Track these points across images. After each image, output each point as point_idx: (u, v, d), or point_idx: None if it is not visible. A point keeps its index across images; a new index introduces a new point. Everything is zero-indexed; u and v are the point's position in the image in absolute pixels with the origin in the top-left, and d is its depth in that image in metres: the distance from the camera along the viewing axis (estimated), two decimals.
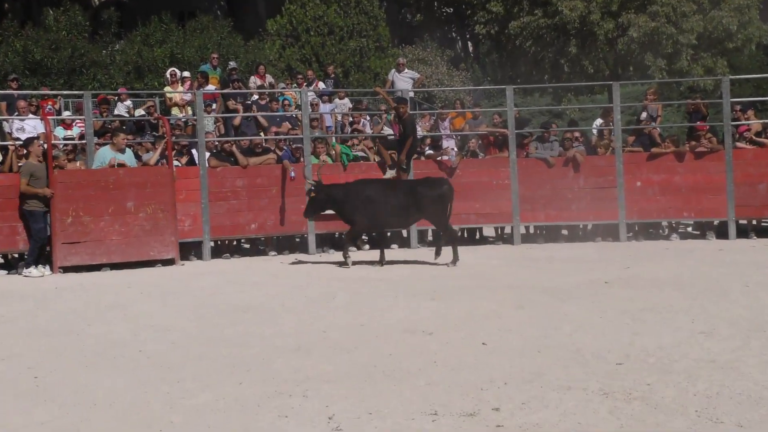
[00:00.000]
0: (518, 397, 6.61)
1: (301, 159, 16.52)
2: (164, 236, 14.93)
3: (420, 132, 17.90)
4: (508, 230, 17.65)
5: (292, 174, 16.08)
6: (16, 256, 14.89)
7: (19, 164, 14.62)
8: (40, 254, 14.27)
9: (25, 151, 14.79)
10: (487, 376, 7.16)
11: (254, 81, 20.15)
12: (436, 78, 35.85)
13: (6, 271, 14.50)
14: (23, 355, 8.44)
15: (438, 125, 18.52)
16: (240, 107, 18.15)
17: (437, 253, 14.45)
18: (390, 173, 15.91)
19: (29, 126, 16.08)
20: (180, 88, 18.92)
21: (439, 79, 36.02)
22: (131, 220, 14.74)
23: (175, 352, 8.41)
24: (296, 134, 17.18)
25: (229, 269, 14.41)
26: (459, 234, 16.44)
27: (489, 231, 18.22)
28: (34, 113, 16.57)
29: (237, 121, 17.71)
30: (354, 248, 15.16)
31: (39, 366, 7.98)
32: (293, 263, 14.89)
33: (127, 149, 15.28)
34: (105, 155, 14.95)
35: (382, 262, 14.28)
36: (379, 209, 14.33)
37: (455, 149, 17.58)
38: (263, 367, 7.71)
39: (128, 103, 19.14)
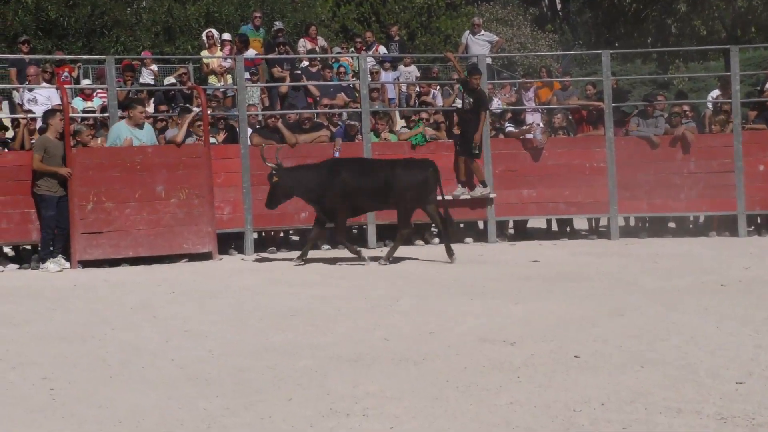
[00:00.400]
0: (618, 420, 6.56)
1: (358, 137, 16.53)
2: (199, 226, 15.04)
3: (498, 105, 17.86)
4: (603, 222, 17.54)
5: (337, 153, 16.09)
6: (29, 247, 15.10)
7: (32, 140, 14.82)
8: (56, 246, 14.44)
9: (39, 125, 14.99)
10: (580, 396, 7.12)
11: (304, 44, 20.21)
12: (517, 41, 35.70)
13: (17, 265, 14.71)
14: (37, 363, 8.54)
15: (521, 97, 18.43)
16: (287, 75, 18.21)
17: (387, 258, 14.62)
18: (462, 191, 16.19)
19: (42, 97, 16.27)
20: (218, 53, 19.02)
21: (522, 42, 35.85)
22: (161, 207, 14.86)
23: (213, 362, 8.47)
24: (356, 107, 17.16)
25: (275, 266, 14.49)
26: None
27: (581, 223, 18.11)
28: (49, 81, 16.76)
29: (284, 89, 17.79)
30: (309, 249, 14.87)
31: (55, 376, 8.07)
32: (350, 259, 14.92)
33: (147, 125, 15.36)
34: (120, 132, 15.03)
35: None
36: (355, 194, 14.53)
37: (541, 125, 17.48)
38: (316, 381, 7.73)
39: (153, 67, 19.28)
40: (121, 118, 15.54)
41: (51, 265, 14.20)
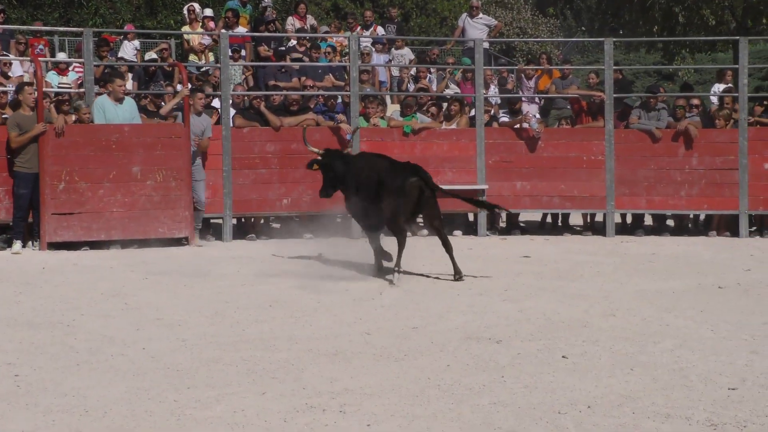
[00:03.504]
0: (605, 424, 6.62)
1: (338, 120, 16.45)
2: (176, 210, 15.02)
3: (494, 91, 17.90)
4: (599, 218, 17.54)
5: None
6: None
7: (3, 114, 14.81)
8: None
9: (10, 99, 14.99)
10: (566, 398, 7.19)
11: (292, 23, 20.22)
12: (517, 26, 35.70)
13: None
14: (1, 349, 8.60)
15: (521, 85, 18.44)
16: (272, 55, 18.22)
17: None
18: None
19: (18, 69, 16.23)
20: (200, 29, 18.99)
21: (521, 27, 35.86)
22: (137, 188, 14.83)
23: (186, 353, 8.53)
24: (346, 90, 17.08)
25: (254, 254, 14.47)
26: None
27: (576, 219, 18.12)
28: (23, 54, 16.75)
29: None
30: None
31: (20, 362, 8.13)
32: (331, 249, 14.93)
33: (128, 99, 15.30)
34: (104, 106, 15.00)
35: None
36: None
37: (537, 116, 17.46)
38: (292, 375, 7.79)
39: (136, 43, 19.25)
40: (98, 94, 15.54)
41: (16, 245, 14.24)
